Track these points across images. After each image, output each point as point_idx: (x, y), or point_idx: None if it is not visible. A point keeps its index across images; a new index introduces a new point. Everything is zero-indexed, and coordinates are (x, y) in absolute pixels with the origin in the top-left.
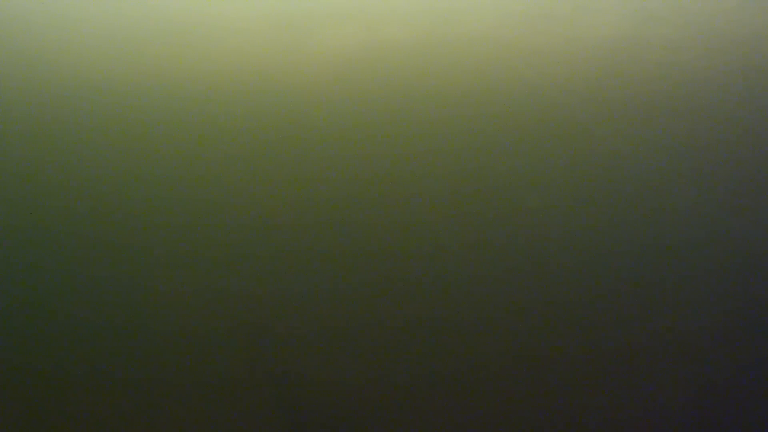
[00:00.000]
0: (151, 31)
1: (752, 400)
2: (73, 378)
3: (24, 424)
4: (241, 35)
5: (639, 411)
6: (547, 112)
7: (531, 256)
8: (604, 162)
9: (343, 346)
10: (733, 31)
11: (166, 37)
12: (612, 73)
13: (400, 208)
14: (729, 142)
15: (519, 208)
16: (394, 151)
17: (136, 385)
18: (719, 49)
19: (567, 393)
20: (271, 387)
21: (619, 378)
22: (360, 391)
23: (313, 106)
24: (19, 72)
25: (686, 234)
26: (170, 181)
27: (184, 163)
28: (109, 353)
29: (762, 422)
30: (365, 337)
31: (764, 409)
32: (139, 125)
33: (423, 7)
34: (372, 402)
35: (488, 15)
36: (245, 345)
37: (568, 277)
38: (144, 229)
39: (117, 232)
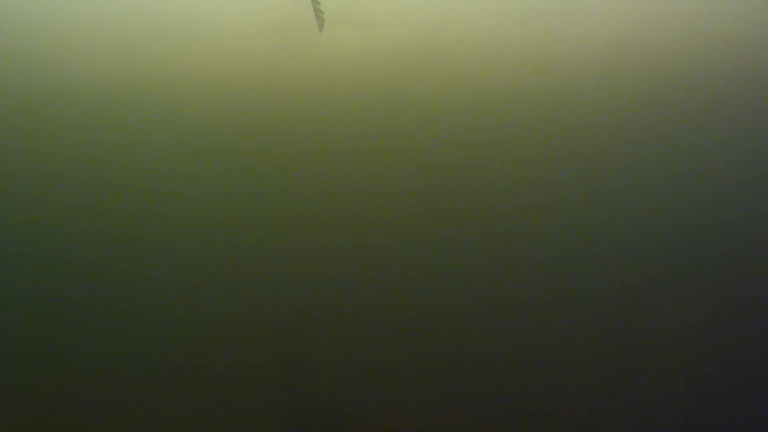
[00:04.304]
0: (152, 33)
1: (746, 394)
2: (77, 367)
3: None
4: (241, 37)
5: (637, 404)
6: (546, 112)
7: (531, 251)
8: (604, 160)
9: (349, 337)
10: (733, 31)
11: (167, 38)
12: (611, 73)
13: (401, 204)
14: (728, 142)
15: (518, 204)
16: (395, 150)
17: (144, 376)
18: (718, 49)
19: (566, 386)
20: (279, 372)
21: (617, 372)
22: (366, 381)
23: (314, 106)
24: (19, 72)
25: (684, 232)
26: (169, 179)
27: (183, 161)
28: (123, 344)
29: (758, 416)
30: (367, 329)
31: (760, 404)
32: (141, 124)
33: (423, 7)
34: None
35: (488, 15)
36: (255, 336)
37: (566, 273)
38: (146, 223)
39: (118, 228)
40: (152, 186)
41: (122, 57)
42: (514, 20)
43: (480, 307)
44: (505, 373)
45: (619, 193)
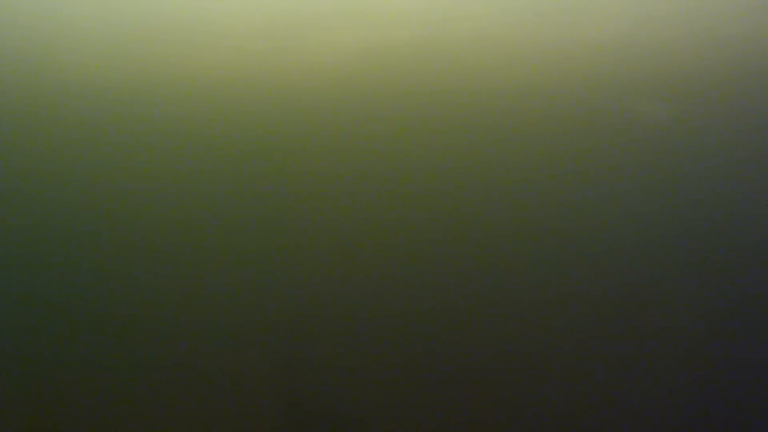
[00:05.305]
0: (151, 33)
1: (746, 393)
2: (76, 367)
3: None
4: (241, 36)
5: (637, 402)
6: (546, 111)
7: (531, 250)
8: (604, 160)
9: (346, 334)
10: (733, 31)
11: (167, 39)
12: (612, 72)
13: (402, 204)
14: (727, 142)
15: (518, 203)
16: (395, 149)
17: (146, 375)
18: (718, 49)
19: (566, 384)
20: (276, 372)
21: (617, 372)
22: (363, 375)
23: (314, 105)
24: (19, 72)
25: (684, 231)
26: (169, 179)
27: (183, 162)
28: (121, 346)
29: (756, 414)
30: (367, 329)
31: (758, 402)
32: (139, 124)
33: (423, 7)
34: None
35: (488, 15)
36: (252, 336)
37: (565, 272)
38: (146, 223)
39: (117, 228)
40: (152, 186)
41: (122, 57)
42: (514, 20)
43: (479, 307)
44: (505, 372)
45: (620, 192)
